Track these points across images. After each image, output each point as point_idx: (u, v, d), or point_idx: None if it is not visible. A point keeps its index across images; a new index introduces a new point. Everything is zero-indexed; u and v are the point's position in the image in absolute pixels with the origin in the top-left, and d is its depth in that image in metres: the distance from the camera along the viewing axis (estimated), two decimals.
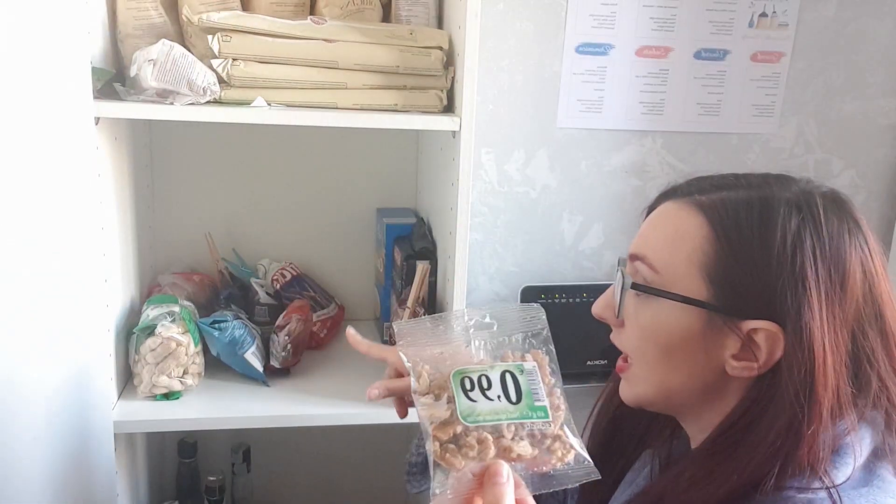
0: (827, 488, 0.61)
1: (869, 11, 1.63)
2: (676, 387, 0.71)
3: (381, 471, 1.64)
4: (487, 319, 0.68)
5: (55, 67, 0.97)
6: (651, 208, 0.76)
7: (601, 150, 1.61)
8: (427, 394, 0.63)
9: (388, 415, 1.21)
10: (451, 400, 0.61)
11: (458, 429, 0.60)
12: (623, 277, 0.72)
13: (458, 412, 0.60)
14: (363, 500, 1.68)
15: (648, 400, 0.74)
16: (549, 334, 0.69)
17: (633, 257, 0.73)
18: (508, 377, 0.63)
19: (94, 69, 1.04)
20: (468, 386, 0.62)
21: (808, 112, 1.66)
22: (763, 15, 1.59)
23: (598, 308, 0.76)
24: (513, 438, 0.60)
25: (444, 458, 0.59)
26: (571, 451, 0.61)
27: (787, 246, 0.65)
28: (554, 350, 0.67)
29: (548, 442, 0.61)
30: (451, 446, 0.59)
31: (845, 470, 0.63)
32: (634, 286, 0.71)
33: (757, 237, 0.65)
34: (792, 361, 0.64)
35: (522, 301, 1.59)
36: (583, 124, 1.59)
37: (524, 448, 0.60)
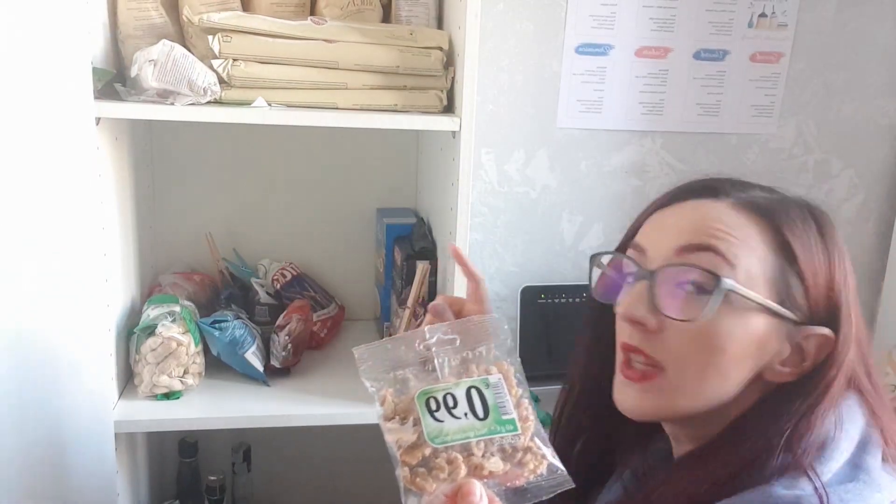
0: (815, 486, 0.61)
1: (869, 11, 1.63)
2: (715, 395, 0.67)
3: (381, 471, 1.63)
4: (449, 335, 0.65)
5: (56, 68, 0.97)
6: (670, 201, 0.72)
7: (601, 150, 1.61)
8: (392, 418, 0.61)
9: None
10: (417, 422, 0.60)
11: (427, 451, 0.58)
12: (717, 279, 0.65)
13: (426, 434, 0.59)
14: (363, 500, 1.68)
15: (675, 412, 0.69)
16: (514, 344, 0.66)
17: (697, 247, 0.66)
18: (474, 393, 0.61)
19: (94, 69, 1.04)
20: (433, 406, 0.60)
21: (808, 112, 1.67)
22: (762, 15, 1.59)
23: (634, 309, 0.68)
24: (483, 455, 0.59)
25: (414, 483, 0.58)
26: (544, 462, 0.60)
27: (838, 257, 0.69)
28: (519, 360, 0.65)
29: (519, 455, 0.60)
30: (421, 470, 0.58)
31: (831, 465, 0.63)
32: (730, 292, 0.65)
33: (819, 248, 0.68)
34: (834, 367, 0.66)
35: (522, 302, 1.59)
36: (583, 124, 1.59)
37: (495, 464, 0.58)
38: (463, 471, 0.58)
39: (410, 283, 1.28)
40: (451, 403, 0.60)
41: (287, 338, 1.27)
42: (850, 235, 1.75)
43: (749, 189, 0.72)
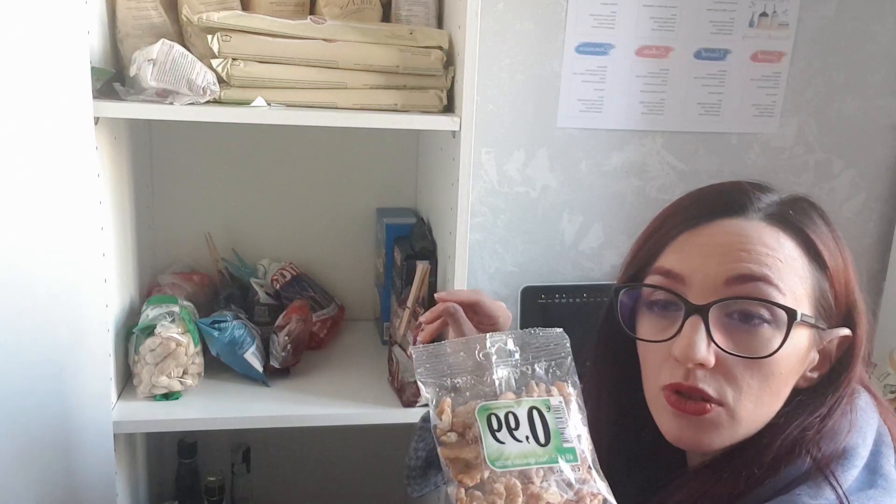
0: (837, 494, 0.61)
1: (869, 11, 1.62)
2: (768, 416, 0.66)
3: (381, 471, 1.63)
4: (510, 346, 0.63)
5: (55, 67, 0.96)
6: (695, 222, 0.69)
7: (601, 150, 1.61)
8: (450, 431, 0.59)
9: (388, 415, 1.21)
10: (475, 440, 0.58)
11: (486, 474, 0.56)
12: (790, 315, 0.63)
13: (486, 455, 0.57)
14: (363, 500, 1.67)
15: (732, 441, 0.66)
16: (574, 364, 0.64)
17: (750, 277, 0.64)
18: (535, 414, 0.59)
19: (93, 69, 1.04)
20: (495, 425, 0.58)
21: (809, 112, 1.66)
22: (763, 15, 1.59)
23: (695, 351, 0.63)
24: (541, 484, 0.56)
25: None
26: (598, 497, 0.57)
27: (848, 252, 0.70)
28: (579, 381, 0.63)
29: (576, 487, 0.57)
30: (477, 493, 0.56)
31: (853, 472, 0.63)
32: (804, 321, 0.64)
33: (835, 248, 0.69)
34: (855, 364, 0.67)
35: (522, 302, 1.59)
36: (583, 124, 1.59)
37: (553, 495, 0.56)
38: (521, 499, 0.56)
39: (410, 283, 1.27)
40: (512, 424, 0.58)
41: (286, 338, 1.26)
42: (851, 235, 1.73)
43: (767, 194, 0.70)
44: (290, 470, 1.64)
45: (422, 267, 1.27)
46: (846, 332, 0.68)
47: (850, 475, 0.63)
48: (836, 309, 0.68)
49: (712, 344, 0.64)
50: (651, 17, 1.55)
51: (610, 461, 0.78)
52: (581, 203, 1.64)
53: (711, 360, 0.64)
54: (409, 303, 1.26)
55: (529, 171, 1.60)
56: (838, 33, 1.63)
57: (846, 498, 0.60)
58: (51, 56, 0.95)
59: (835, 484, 0.61)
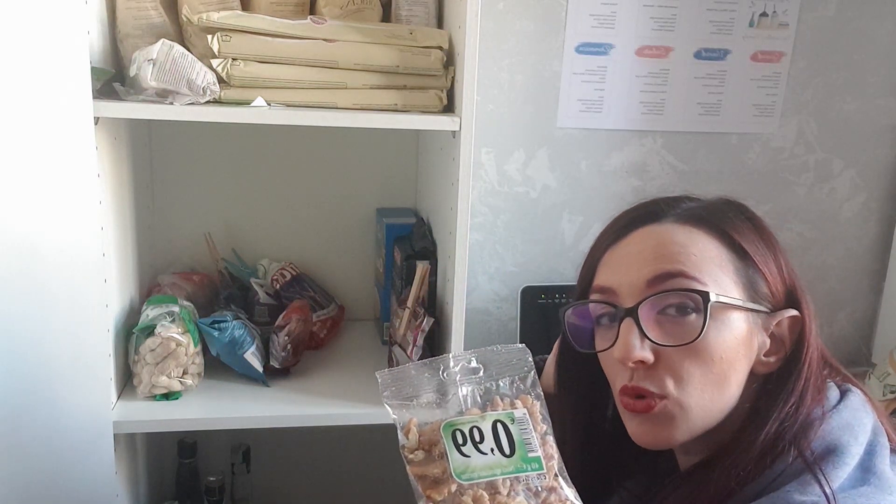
0: (824, 491, 0.61)
1: (869, 11, 1.62)
2: (723, 403, 0.69)
3: (381, 470, 1.63)
4: (473, 364, 0.65)
5: (55, 67, 0.96)
6: (616, 237, 0.74)
7: (601, 150, 1.61)
8: (416, 450, 0.61)
9: (388, 415, 1.21)
10: (442, 455, 0.59)
11: (453, 487, 0.58)
12: (705, 296, 0.66)
13: (452, 470, 0.58)
14: (363, 500, 1.68)
15: (691, 432, 0.69)
16: (536, 377, 0.66)
17: (667, 275, 0.68)
18: (500, 427, 0.61)
19: (93, 69, 1.04)
20: (460, 440, 0.60)
21: (809, 112, 1.66)
22: (763, 14, 1.59)
23: (632, 349, 0.67)
24: (508, 494, 0.58)
25: None
26: (567, 503, 0.59)
27: (774, 241, 0.73)
28: (542, 393, 0.65)
29: (543, 495, 0.59)
30: None
31: (845, 469, 0.64)
32: (718, 303, 0.67)
33: (757, 238, 0.72)
34: (808, 342, 0.70)
35: (522, 302, 1.59)
36: (583, 124, 1.59)
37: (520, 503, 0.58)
38: None
39: (410, 283, 1.27)
40: (477, 438, 0.60)
41: (286, 338, 1.26)
42: (851, 235, 1.75)
43: (680, 203, 0.75)
44: (290, 470, 1.64)
45: (422, 267, 1.27)
46: (793, 312, 0.71)
47: (842, 472, 0.63)
48: (773, 294, 0.70)
49: (646, 341, 0.68)
50: (651, 17, 1.55)
51: (610, 471, 0.80)
52: (581, 203, 1.64)
53: (649, 357, 0.67)
54: (409, 303, 1.26)
55: (529, 171, 1.60)
56: (838, 33, 1.63)
57: (833, 494, 0.61)
58: (51, 56, 0.95)
59: (822, 480, 0.62)
